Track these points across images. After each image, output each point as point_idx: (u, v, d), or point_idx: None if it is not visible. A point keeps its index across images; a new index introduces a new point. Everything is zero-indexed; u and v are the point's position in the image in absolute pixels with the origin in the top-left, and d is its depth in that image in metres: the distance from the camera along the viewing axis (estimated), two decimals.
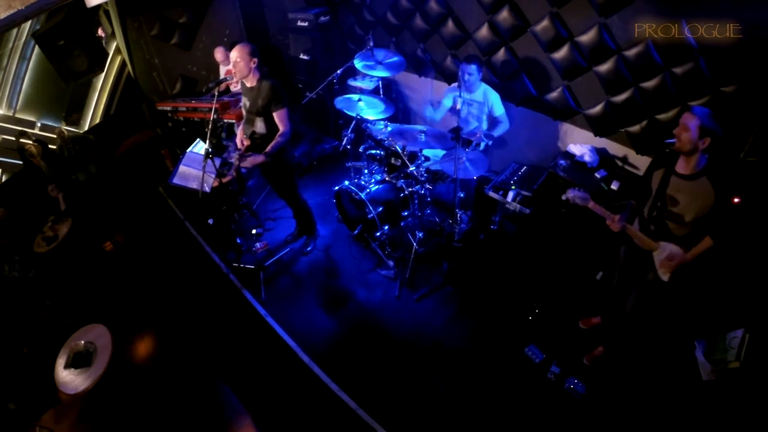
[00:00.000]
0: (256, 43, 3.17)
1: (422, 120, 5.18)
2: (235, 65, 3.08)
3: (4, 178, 5.24)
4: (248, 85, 3.21)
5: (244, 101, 3.31)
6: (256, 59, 3.09)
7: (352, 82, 5.04)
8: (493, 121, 3.78)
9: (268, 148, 3.17)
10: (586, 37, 3.31)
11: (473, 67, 3.49)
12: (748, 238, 2.66)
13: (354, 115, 3.81)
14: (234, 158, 3.17)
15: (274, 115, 3.17)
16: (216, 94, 3.14)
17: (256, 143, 3.32)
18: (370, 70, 3.91)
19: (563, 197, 2.45)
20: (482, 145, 3.74)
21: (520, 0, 3.58)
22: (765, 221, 2.65)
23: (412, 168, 3.63)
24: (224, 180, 3.60)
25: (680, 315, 3.04)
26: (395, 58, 3.99)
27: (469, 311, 3.49)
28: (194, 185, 3.53)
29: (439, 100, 3.96)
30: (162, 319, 3.91)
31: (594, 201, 2.40)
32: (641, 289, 2.65)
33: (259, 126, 3.26)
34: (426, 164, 3.68)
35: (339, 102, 3.91)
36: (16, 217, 4.36)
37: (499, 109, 3.70)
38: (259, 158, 3.17)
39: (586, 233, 3.63)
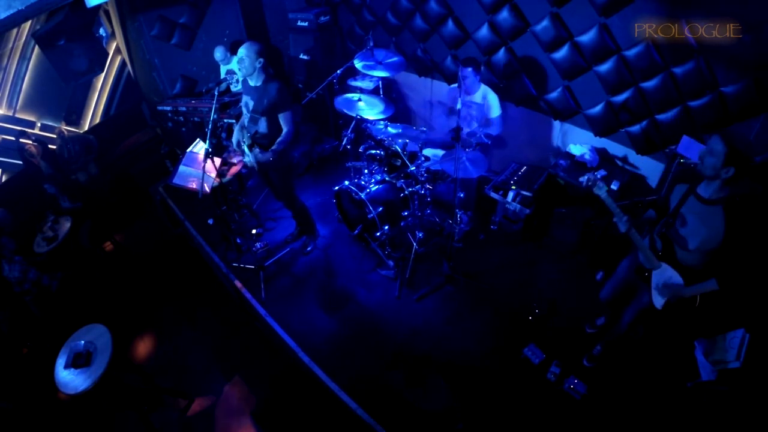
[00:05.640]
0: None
1: (423, 121, 5.19)
2: (240, 62, 3.09)
3: (4, 178, 5.24)
4: (252, 84, 3.20)
5: (247, 101, 3.29)
6: (262, 60, 3.10)
7: (352, 82, 5.04)
8: (486, 122, 3.75)
9: (275, 147, 3.20)
10: (586, 37, 3.32)
11: (469, 71, 3.50)
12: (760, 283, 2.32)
13: (354, 115, 3.81)
14: (244, 158, 3.20)
15: (280, 116, 3.19)
16: (216, 94, 3.14)
17: (259, 143, 3.33)
18: (370, 70, 3.90)
19: (580, 179, 2.29)
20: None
21: (520, 0, 3.58)
22: None
23: (412, 168, 3.62)
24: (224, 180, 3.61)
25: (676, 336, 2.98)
26: (395, 58, 3.98)
27: (469, 311, 3.48)
28: (194, 185, 3.53)
29: (451, 105, 3.85)
30: (162, 319, 3.91)
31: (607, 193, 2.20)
32: (637, 310, 2.60)
33: (263, 126, 3.26)
34: (426, 164, 3.68)
35: (339, 102, 3.90)
36: (16, 217, 4.36)
37: (495, 112, 3.70)
38: (267, 156, 3.20)
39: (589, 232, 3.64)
